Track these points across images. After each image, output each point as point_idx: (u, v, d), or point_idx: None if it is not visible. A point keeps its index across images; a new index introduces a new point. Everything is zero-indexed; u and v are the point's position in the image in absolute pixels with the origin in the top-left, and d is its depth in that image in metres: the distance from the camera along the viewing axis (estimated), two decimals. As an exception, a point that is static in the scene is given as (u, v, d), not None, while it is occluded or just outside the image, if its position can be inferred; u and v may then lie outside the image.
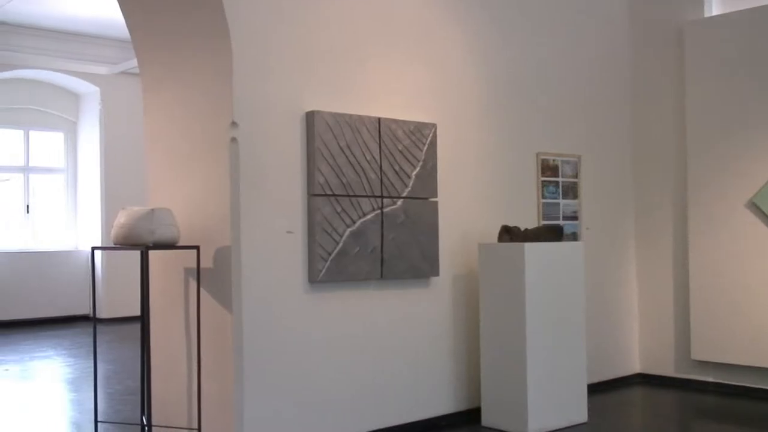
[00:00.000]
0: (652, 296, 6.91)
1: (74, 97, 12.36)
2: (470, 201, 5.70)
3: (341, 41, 4.98)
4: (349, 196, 4.88)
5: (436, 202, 5.39)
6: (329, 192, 4.78)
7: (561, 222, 6.29)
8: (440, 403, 5.42)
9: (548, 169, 6.26)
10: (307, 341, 4.73)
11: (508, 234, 5.47)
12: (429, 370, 5.36)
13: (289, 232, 4.66)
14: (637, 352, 6.99)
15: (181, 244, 4.55)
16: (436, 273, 5.37)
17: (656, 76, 6.91)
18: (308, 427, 4.72)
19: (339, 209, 4.82)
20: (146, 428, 4.49)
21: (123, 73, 11.61)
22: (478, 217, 5.72)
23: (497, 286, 5.32)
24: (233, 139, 4.45)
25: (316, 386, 4.76)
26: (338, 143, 4.82)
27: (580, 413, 5.52)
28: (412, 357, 5.27)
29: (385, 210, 5.07)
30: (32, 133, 12.03)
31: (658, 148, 6.88)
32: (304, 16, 4.80)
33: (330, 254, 4.77)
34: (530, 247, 5.23)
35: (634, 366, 6.97)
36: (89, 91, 12.04)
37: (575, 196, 6.47)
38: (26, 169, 11.94)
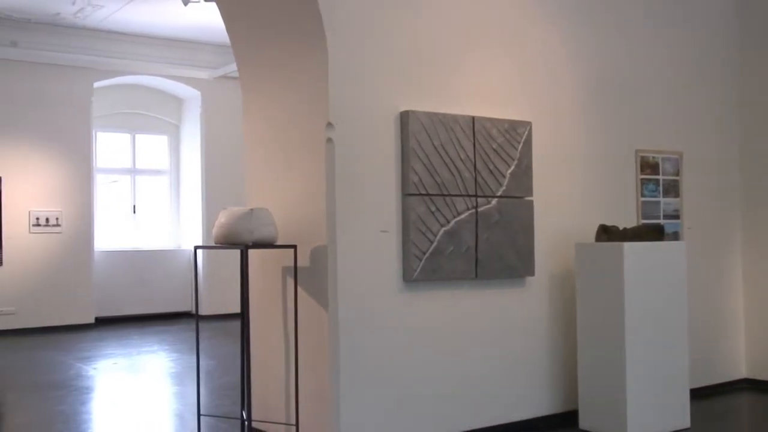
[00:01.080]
0: (759, 298, 6.61)
1: (177, 102, 12.79)
2: (566, 200, 5.60)
3: (435, 41, 4.98)
4: (443, 195, 4.87)
5: (532, 201, 5.32)
6: (423, 191, 4.79)
7: (661, 221, 6.11)
8: (536, 405, 5.35)
9: (648, 166, 6.09)
10: (402, 340, 4.75)
11: (606, 233, 5.35)
12: (524, 370, 5.30)
13: (383, 231, 4.69)
14: (743, 356, 6.70)
15: (279, 243, 4.66)
16: (532, 273, 5.30)
17: (763, 67, 6.61)
18: (403, 426, 4.74)
19: (433, 208, 4.82)
20: (246, 422, 4.61)
21: (223, 77, 11.94)
22: (575, 216, 5.62)
23: (595, 286, 5.21)
24: (329, 140, 4.52)
25: (411, 385, 4.78)
26: (432, 143, 4.82)
27: (682, 418, 5.34)
28: (508, 357, 5.22)
29: (479, 209, 5.04)
30: (138, 137, 12.53)
31: (767, 143, 6.59)
32: (398, 17, 4.83)
33: (424, 253, 4.77)
34: (629, 247, 5.10)
35: (740, 371, 6.69)
36: (191, 95, 12.43)
37: (677, 194, 6.26)
38: (133, 171, 12.44)
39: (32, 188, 10.92)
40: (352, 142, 4.59)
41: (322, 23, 4.49)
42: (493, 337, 5.16)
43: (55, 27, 10.36)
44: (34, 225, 10.90)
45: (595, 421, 5.21)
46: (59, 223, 11.07)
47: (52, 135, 11.04)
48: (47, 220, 11.00)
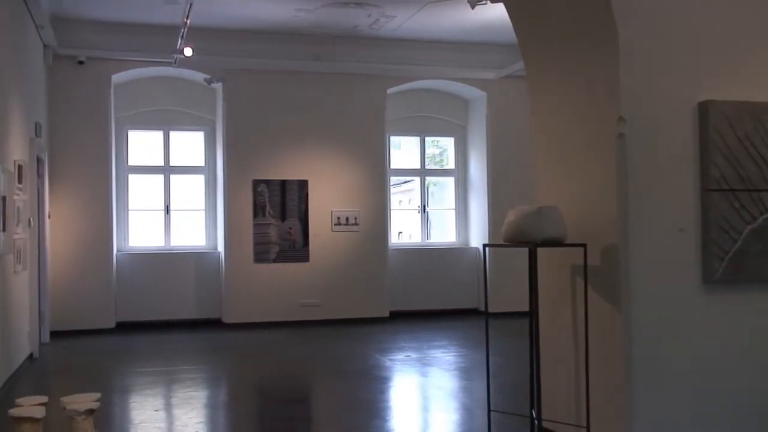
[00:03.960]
0: None
1: (463, 103, 13.11)
2: None
3: (736, 20, 4.60)
4: (749, 190, 4.50)
5: None
6: (726, 187, 4.46)
7: None
8: None
9: None
10: (701, 346, 4.46)
11: None
12: None
13: (681, 229, 4.44)
14: None
15: (567, 241, 4.59)
16: None
17: None
18: (704, 437, 4.45)
19: (737, 205, 4.47)
20: (536, 421, 4.60)
21: (508, 76, 12.01)
22: None
23: None
24: (620, 135, 4.37)
25: (711, 394, 4.46)
26: (735, 134, 4.47)
27: None
28: (828, 370, 4.68)
29: (792, 205, 4.58)
30: (427, 139, 13.04)
31: None
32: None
33: (727, 253, 4.44)
34: None
35: None
36: (477, 96, 12.67)
37: None
38: (422, 172, 12.97)
39: (334, 190, 11.81)
40: (645, 136, 4.40)
41: (613, 14, 4.35)
42: (810, 346, 4.65)
43: (353, 39, 11.12)
44: (335, 224, 11.78)
45: None
46: (357, 222, 11.87)
47: (351, 141, 11.85)
48: (347, 219, 11.83)
